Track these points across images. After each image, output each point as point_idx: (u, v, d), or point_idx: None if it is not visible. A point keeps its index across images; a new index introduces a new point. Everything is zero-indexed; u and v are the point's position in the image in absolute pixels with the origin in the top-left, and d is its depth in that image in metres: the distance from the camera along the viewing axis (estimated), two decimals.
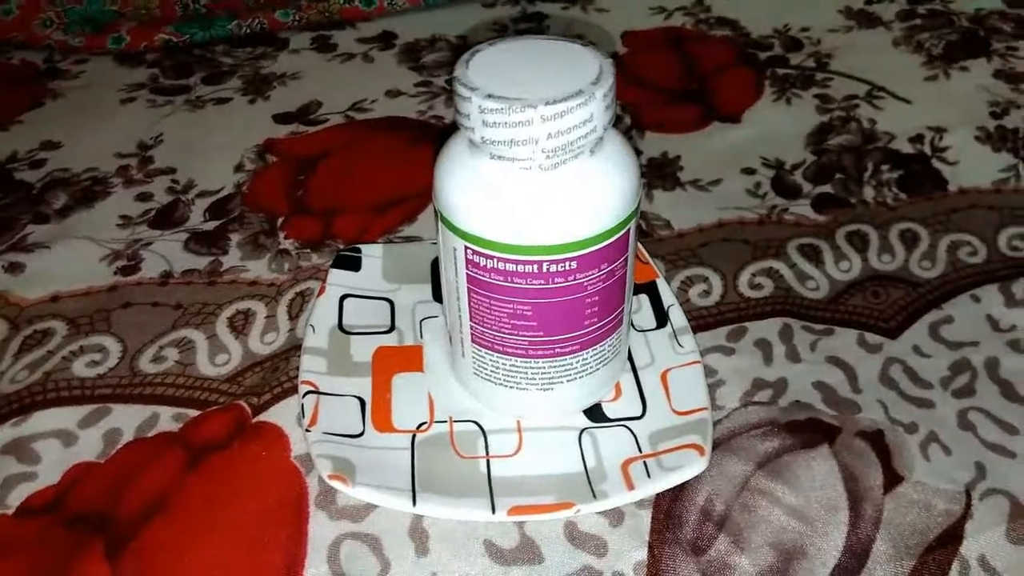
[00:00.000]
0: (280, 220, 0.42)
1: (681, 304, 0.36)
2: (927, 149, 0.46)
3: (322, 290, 0.36)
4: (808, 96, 0.51)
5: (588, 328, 0.29)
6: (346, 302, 0.36)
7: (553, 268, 0.27)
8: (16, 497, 0.30)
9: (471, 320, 0.29)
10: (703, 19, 0.59)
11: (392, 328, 0.35)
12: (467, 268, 0.28)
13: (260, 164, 0.46)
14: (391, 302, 0.36)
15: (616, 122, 0.27)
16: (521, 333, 0.29)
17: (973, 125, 0.47)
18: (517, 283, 0.27)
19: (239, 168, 0.46)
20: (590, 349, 0.30)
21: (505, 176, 0.26)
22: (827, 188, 0.43)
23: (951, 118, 0.48)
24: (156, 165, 0.46)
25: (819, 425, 0.32)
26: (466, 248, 0.27)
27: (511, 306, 0.28)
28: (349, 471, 0.29)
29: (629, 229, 0.28)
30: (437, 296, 0.37)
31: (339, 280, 0.37)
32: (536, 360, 0.29)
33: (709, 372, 0.34)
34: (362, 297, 0.36)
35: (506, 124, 0.25)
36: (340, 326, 0.35)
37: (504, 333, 0.29)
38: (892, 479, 0.30)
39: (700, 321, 0.36)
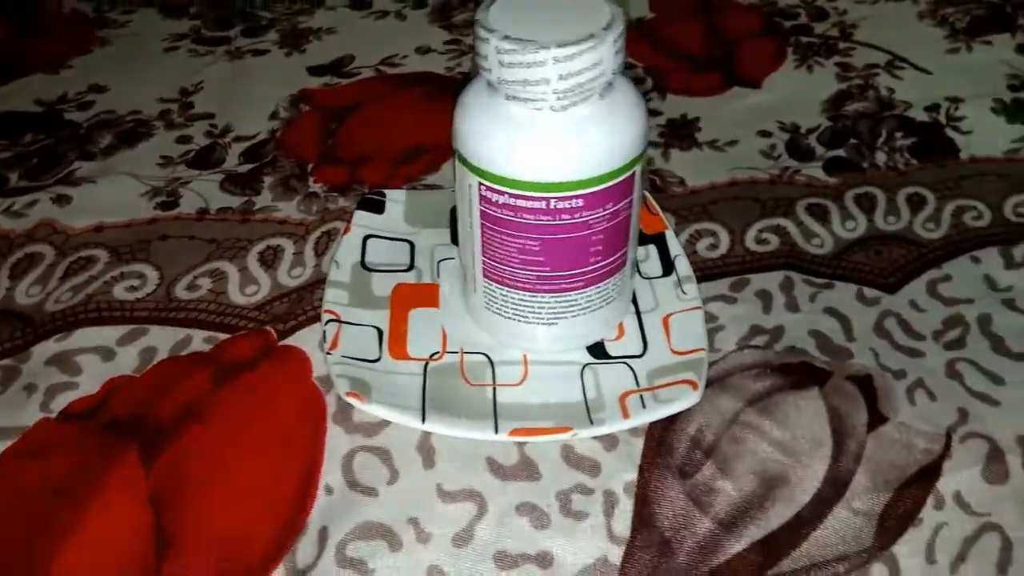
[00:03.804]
0: (311, 166, 0.44)
1: (688, 255, 0.37)
2: (942, 118, 0.47)
3: (347, 229, 0.38)
4: (829, 64, 0.52)
5: (593, 265, 0.31)
6: (369, 242, 0.38)
7: (560, 205, 0.29)
8: (59, 404, 0.32)
9: (483, 255, 0.31)
10: None
11: (411, 267, 0.37)
12: (480, 204, 0.30)
13: (294, 112, 0.48)
14: (411, 243, 0.38)
15: (638, 84, 0.28)
16: (529, 268, 0.30)
17: (990, 97, 0.48)
18: (526, 219, 0.29)
19: (274, 116, 0.48)
20: (594, 287, 0.31)
21: (518, 115, 0.28)
22: (840, 152, 0.45)
23: (968, 89, 0.49)
24: (196, 111, 0.48)
25: (811, 368, 0.33)
26: (480, 184, 0.29)
27: (520, 241, 0.30)
28: (365, 390, 0.31)
29: (634, 173, 0.29)
30: (455, 240, 0.38)
31: (363, 221, 0.39)
32: (542, 295, 0.31)
33: (710, 318, 0.35)
34: (384, 238, 0.38)
35: (520, 64, 0.27)
36: (363, 263, 0.37)
37: (513, 267, 0.31)
38: (877, 419, 0.31)
39: (705, 272, 0.38)
